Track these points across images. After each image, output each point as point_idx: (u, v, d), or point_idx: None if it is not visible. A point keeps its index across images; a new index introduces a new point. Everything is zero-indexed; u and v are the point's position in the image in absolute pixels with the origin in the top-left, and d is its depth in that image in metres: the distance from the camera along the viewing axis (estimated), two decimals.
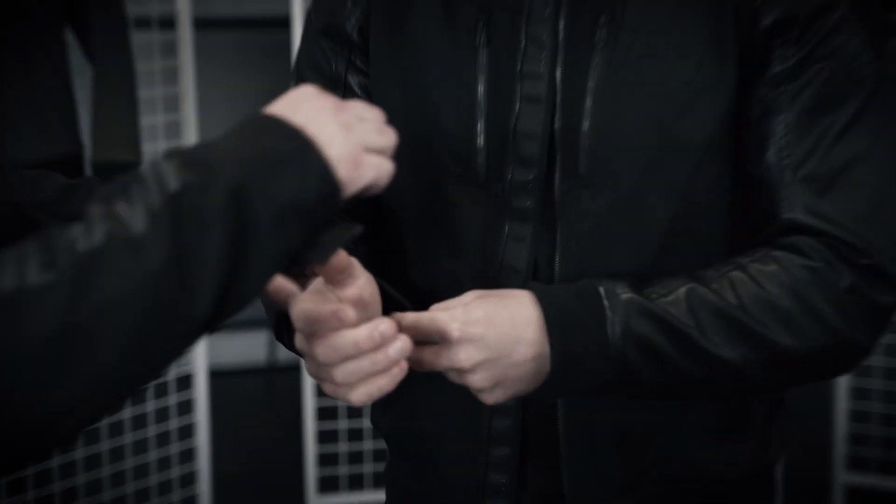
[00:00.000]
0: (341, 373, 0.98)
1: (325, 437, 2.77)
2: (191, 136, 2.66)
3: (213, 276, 0.74)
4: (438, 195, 1.18)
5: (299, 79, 1.25)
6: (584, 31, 1.10)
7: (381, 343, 0.96)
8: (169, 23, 2.73)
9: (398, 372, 0.97)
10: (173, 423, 2.71)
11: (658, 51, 1.09)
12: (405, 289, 1.18)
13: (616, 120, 1.10)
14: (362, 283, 1.01)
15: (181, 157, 0.76)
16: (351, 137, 0.84)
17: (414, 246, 1.21)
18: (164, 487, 2.71)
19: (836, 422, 2.83)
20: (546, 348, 1.02)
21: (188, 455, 2.73)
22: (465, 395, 1.06)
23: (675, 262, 1.11)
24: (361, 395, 0.98)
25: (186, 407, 2.72)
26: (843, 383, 2.84)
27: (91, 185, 1.09)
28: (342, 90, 1.22)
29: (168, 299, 0.72)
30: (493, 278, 1.14)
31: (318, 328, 0.97)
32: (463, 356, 1.00)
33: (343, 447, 2.76)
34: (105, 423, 2.67)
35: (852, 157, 1.07)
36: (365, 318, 0.98)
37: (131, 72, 2.45)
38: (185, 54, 2.63)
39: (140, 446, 2.70)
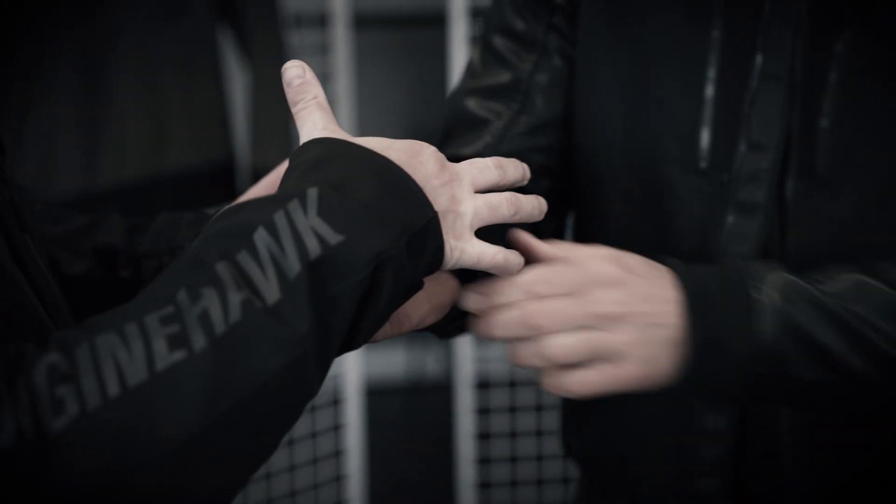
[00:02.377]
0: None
1: (481, 460, 2.63)
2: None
3: (337, 344, 0.71)
4: (655, 182, 1.09)
5: (485, 45, 1.18)
6: (833, 6, 1.01)
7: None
8: (323, 21, 2.63)
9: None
10: (323, 447, 2.63)
11: None
12: None
13: (861, 114, 1.01)
14: None
15: (322, 212, 0.70)
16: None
17: (622, 239, 1.07)
18: None
19: None
20: (684, 333, 0.88)
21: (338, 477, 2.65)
22: (668, 414, 1.04)
23: None
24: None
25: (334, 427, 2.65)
26: None
27: (112, 221, 1.04)
28: (540, 53, 1.14)
29: (301, 377, 0.67)
30: None
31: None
32: (618, 298, 0.86)
33: (502, 471, 2.62)
34: None
35: None
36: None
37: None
38: (340, 55, 2.54)
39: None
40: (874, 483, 1.08)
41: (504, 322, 0.85)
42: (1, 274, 0.75)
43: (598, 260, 0.90)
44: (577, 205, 1.19)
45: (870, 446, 1.07)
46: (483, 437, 2.59)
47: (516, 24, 1.15)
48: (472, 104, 1.16)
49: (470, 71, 1.20)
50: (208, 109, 2.29)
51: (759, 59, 1.03)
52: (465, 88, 1.18)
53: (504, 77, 1.16)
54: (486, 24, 1.20)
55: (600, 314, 0.86)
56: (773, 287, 0.92)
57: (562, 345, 0.85)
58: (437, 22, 2.97)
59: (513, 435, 2.56)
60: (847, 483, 1.08)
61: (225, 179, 2.35)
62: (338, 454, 2.60)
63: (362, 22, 3.08)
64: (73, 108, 2.12)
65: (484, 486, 2.61)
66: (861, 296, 0.92)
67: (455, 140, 1.16)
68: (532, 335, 0.85)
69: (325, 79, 2.60)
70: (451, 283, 0.90)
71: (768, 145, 1.03)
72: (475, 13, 2.43)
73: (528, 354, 0.86)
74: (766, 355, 0.90)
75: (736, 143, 1.05)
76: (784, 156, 1.03)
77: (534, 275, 0.86)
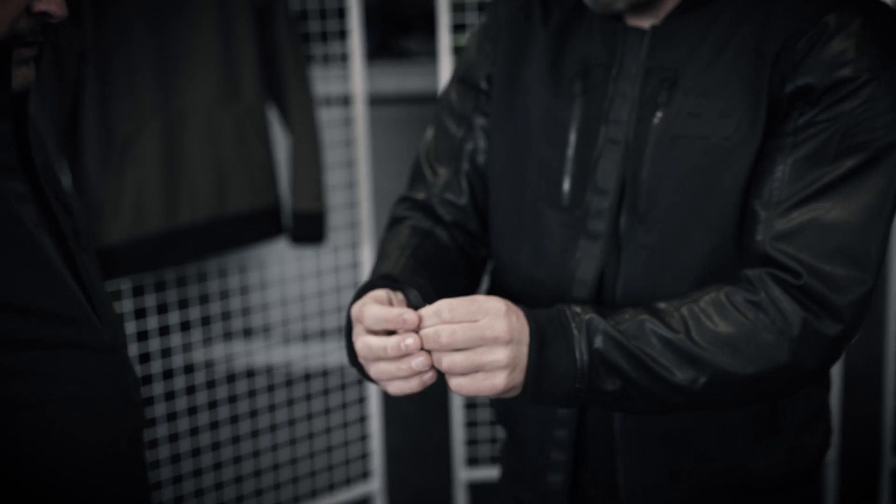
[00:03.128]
0: (374, 369, 0.97)
1: (469, 424, 2.80)
2: (364, 191, 2.73)
3: None
4: (530, 213, 1.18)
5: (438, 116, 1.29)
6: (653, 91, 1.10)
7: (406, 354, 0.95)
8: (346, 101, 2.81)
9: (428, 377, 0.97)
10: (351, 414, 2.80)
11: (705, 111, 1.08)
12: (502, 291, 1.22)
13: (668, 168, 1.09)
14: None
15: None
16: None
17: (509, 253, 1.21)
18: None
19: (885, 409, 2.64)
20: (528, 360, 0.99)
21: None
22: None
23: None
24: (394, 389, 0.98)
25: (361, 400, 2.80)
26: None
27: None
28: (467, 127, 1.25)
29: None
30: (565, 286, 1.15)
31: (382, 327, 0.97)
32: (505, 325, 0.95)
33: (484, 431, 2.78)
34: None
35: (830, 207, 1.02)
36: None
37: (318, 139, 2.52)
38: (359, 126, 2.70)
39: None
40: (689, 459, 1.16)
41: (426, 339, 0.96)
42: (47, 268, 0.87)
43: (491, 303, 0.98)
44: (488, 243, 1.29)
45: (682, 435, 1.16)
46: (470, 406, 2.80)
47: (455, 105, 1.28)
48: (424, 162, 1.29)
49: (425, 138, 1.32)
50: (260, 166, 2.44)
51: (603, 128, 1.14)
52: (422, 151, 1.31)
53: (445, 144, 1.28)
54: (439, 101, 1.32)
55: (488, 337, 0.95)
56: (584, 325, 1.01)
57: (449, 360, 0.96)
58: (434, 99, 3.02)
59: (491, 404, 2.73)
60: (665, 456, 1.17)
61: (273, 219, 2.49)
62: (362, 420, 2.81)
63: (376, 100, 3.31)
64: (158, 166, 2.27)
65: (471, 442, 2.82)
66: (642, 332, 1.01)
67: (413, 186, 1.30)
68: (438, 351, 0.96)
69: (348, 145, 2.85)
70: None
71: (608, 190, 1.13)
72: None
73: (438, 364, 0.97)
74: (579, 375, 1.00)
75: (587, 188, 1.14)
76: (619, 198, 1.12)
77: (442, 313, 0.96)
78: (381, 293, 1.02)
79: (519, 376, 0.97)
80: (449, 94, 1.28)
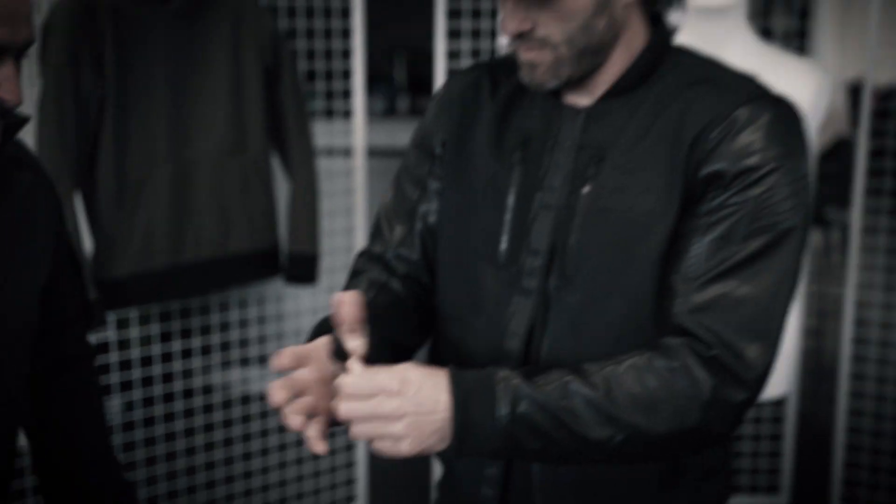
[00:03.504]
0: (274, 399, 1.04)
1: None
2: (360, 239, 2.83)
3: None
4: (472, 270, 1.24)
5: (398, 177, 1.35)
6: (583, 165, 1.17)
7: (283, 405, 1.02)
8: (347, 152, 2.96)
9: (310, 436, 1.03)
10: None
11: (628, 187, 1.14)
12: (444, 339, 1.27)
13: (593, 237, 1.15)
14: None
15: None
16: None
17: (451, 305, 1.27)
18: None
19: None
20: (452, 421, 1.04)
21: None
22: None
23: (630, 346, 1.13)
24: (289, 423, 1.04)
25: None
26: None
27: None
28: (422, 189, 1.31)
29: None
30: (499, 337, 1.20)
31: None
32: (395, 404, 1.01)
33: None
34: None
35: (739, 283, 1.09)
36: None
37: (316, 188, 2.63)
38: (358, 175, 2.84)
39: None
40: None
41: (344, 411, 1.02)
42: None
43: (388, 379, 1.02)
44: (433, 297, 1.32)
45: (596, 487, 1.21)
46: None
47: (413, 168, 1.33)
48: (383, 220, 1.35)
49: (385, 198, 1.37)
50: (261, 211, 2.56)
51: (538, 195, 1.19)
52: (382, 209, 1.36)
53: (402, 204, 1.33)
54: (401, 164, 1.36)
55: (380, 415, 1.01)
56: (509, 388, 1.06)
57: (357, 430, 1.03)
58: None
59: None
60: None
61: (271, 260, 2.61)
62: (349, 448, 2.89)
63: (374, 153, 3.45)
64: (167, 207, 2.40)
65: None
66: (566, 392, 1.06)
67: (373, 241, 1.35)
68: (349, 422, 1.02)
69: (348, 194, 2.99)
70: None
71: (540, 251, 1.18)
72: None
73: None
74: (503, 435, 1.05)
75: (522, 249, 1.19)
76: (550, 259, 1.17)
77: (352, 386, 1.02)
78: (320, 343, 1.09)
79: (430, 438, 1.03)
80: (408, 157, 1.34)
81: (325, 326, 1.15)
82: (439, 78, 2.78)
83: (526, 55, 1.16)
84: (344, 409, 1.01)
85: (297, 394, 1.03)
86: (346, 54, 2.85)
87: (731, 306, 1.08)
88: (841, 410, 2.89)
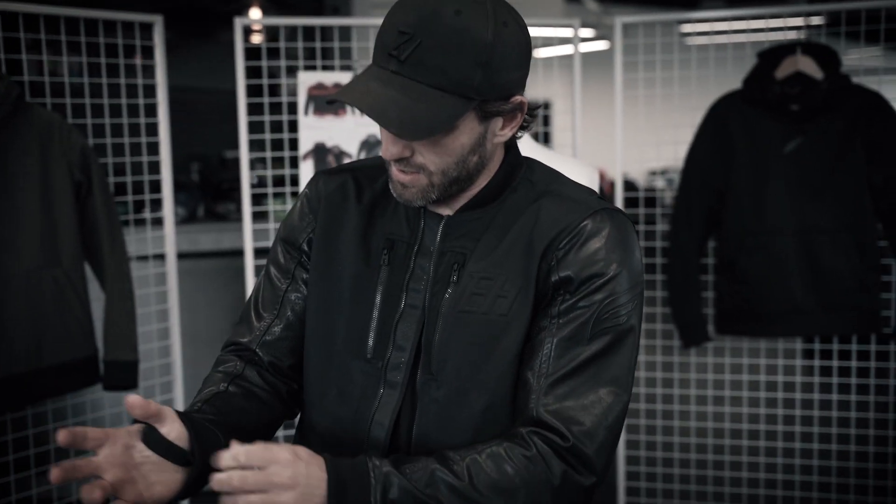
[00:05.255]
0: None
1: None
2: (177, 346, 2.86)
3: None
4: (338, 362, 1.26)
5: (267, 268, 1.37)
6: (445, 270, 1.22)
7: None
8: (161, 257, 3.00)
9: None
10: None
11: (486, 291, 1.20)
12: (311, 425, 1.30)
13: (454, 336, 1.20)
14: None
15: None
16: None
17: (318, 395, 1.30)
18: None
19: None
20: (317, 499, 1.06)
21: None
22: None
23: (488, 434, 1.19)
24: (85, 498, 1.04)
25: None
26: None
27: None
28: (290, 280, 1.34)
29: None
30: (365, 427, 1.23)
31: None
32: (289, 473, 1.03)
33: None
34: None
35: (587, 380, 1.17)
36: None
37: (132, 295, 2.67)
38: (171, 281, 2.89)
39: None
40: None
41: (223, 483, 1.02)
42: None
43: (281, 449, 1.04)
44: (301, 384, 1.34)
45: None
46: None
47: (280, 260, 1.35)
48: (252, 308, 1.37)
49: (255, 287, 1.38)
50: (76, 321, 2.57)
51: (404, 296, 1.23)
52: (252, 298, 1.38)
53: (270, 293, 1.36)
54: (270, 253, 1.38)
55: (275, 483, 1.03)
56: (381, 476, 1.09)
57: (243, 501, 1.03)
58: (237, 254, 3.27)
59: None
60: None
61: (89, 369, 2.62)
62: None
63: (195, 255, 3.52)
64: None
65: None
66: (432, 480, 1.10)
67: (238, 330, 1.37)
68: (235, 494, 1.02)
69: (162, 299, 3.01)
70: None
71: (406, 348, 1.23)
72: None
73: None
74: None
75: (389, 344, 1.23)
76: (415, 354, 1.21)
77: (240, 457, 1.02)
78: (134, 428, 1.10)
79: None
80: (276, 249, 1.37)
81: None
82: (245, 183, 2.91)
83: (401, 177, 1.21)
84: (234, 478, 1.02)
85: (92, 473, 1.04)
86: (155, 166, 2.93)
87: (579, 401, 1.16)
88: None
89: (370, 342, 1.24)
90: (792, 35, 3.22)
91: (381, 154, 1.22)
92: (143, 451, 1.08)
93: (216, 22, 4.76)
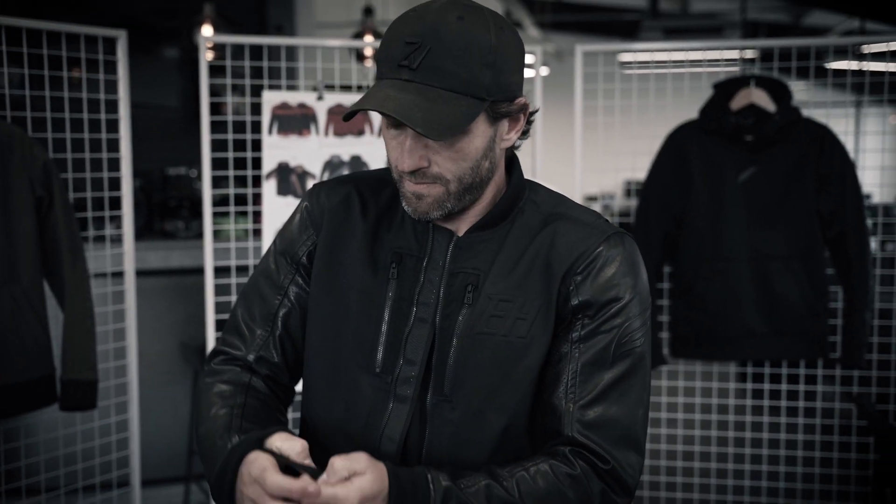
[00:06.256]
0: None
1: None
2: (133, 365, 2.83)
3: None
4: (346, 377, 1.26)
5: (256, 281, 1.35)
6: (458, 292, 1.23)
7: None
8: (119, 274, 2.96)
9: None
10: None
11: (505, 314, 1.20)
12: (317, 440, 1.28)
13: (471, 358, 1.20)
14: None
15: None
16: None
17: (324, 410, 1.29)
18: None
19: None
20: None
21: None
22: None
23: (505, 456, 1.21)
24: None
25: None
26: None
27: None
28: (283, 295, 1.32)
29: None
30: (375, 441, 1.23)
31: (282, 495, 1.04)
32: (367, 484, 1.05)
33: None
34: None
35: (613, 402, 1.20)
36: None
37: (92, 313, 2.61)
38: (129, 299, 2.85)
39: None
40: None
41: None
42: None
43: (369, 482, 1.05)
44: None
45: None
46: None
47: (273, 274, 1.34)
48: (241, 322, 1.35)
49: (242, 300, 1.36)
50: (34, 340, 2.51)
51: (414, 309, 1.23)
52: (240, 311, 1.35)
53: (262, 308, 1.34)
54: (258, 266, 1.37)
55: (367, 495, 1.04)
56: (440, 489, 1.11)
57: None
58: (198, 272, 3.22)
59: None
60: None
61: (46, 389, 2.56)
62: None
63: (142, 273, 3.45)
64: None
65: None
66: (488, 495, 1.12)
67: (228, 342, 1.34)
68: None
69: (119, 318, 2.96)
70: None
71: (416, 361, 1.22)
72: None
73: None
74: None
75: (398, 358, 1.22)
76: (426, 368, 1.21)
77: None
78: (268, 461, 1.08)
79: None
80: (268, 263, 1.35)
81: (250, 444, 1.13)
82: (206, 197, 2.86)
83: (416, 188, 1.20)
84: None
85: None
86: (116, 182, 2.89)
87: (611, 424, 1.19)
88: None
89: (379, 356, 1.23)
90: (732, 69, 3.32)
91: (395, 169, 1.22)
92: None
93: (156, 38, 4.72)
